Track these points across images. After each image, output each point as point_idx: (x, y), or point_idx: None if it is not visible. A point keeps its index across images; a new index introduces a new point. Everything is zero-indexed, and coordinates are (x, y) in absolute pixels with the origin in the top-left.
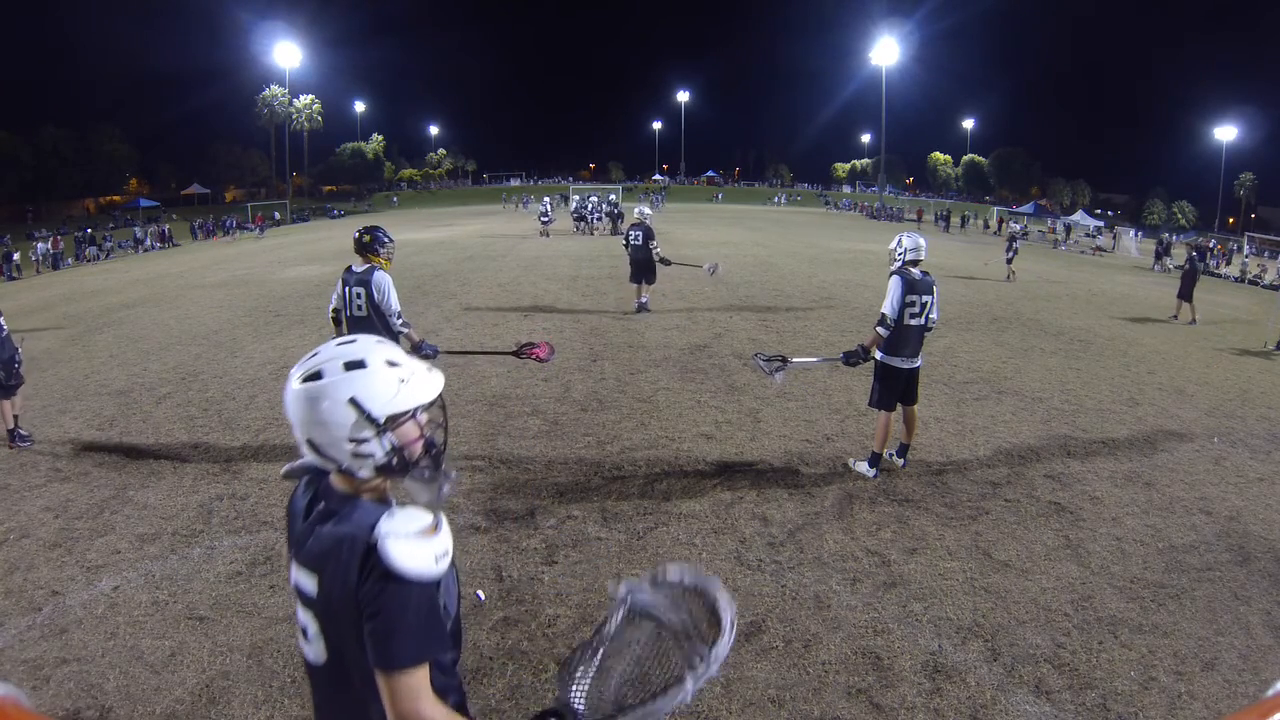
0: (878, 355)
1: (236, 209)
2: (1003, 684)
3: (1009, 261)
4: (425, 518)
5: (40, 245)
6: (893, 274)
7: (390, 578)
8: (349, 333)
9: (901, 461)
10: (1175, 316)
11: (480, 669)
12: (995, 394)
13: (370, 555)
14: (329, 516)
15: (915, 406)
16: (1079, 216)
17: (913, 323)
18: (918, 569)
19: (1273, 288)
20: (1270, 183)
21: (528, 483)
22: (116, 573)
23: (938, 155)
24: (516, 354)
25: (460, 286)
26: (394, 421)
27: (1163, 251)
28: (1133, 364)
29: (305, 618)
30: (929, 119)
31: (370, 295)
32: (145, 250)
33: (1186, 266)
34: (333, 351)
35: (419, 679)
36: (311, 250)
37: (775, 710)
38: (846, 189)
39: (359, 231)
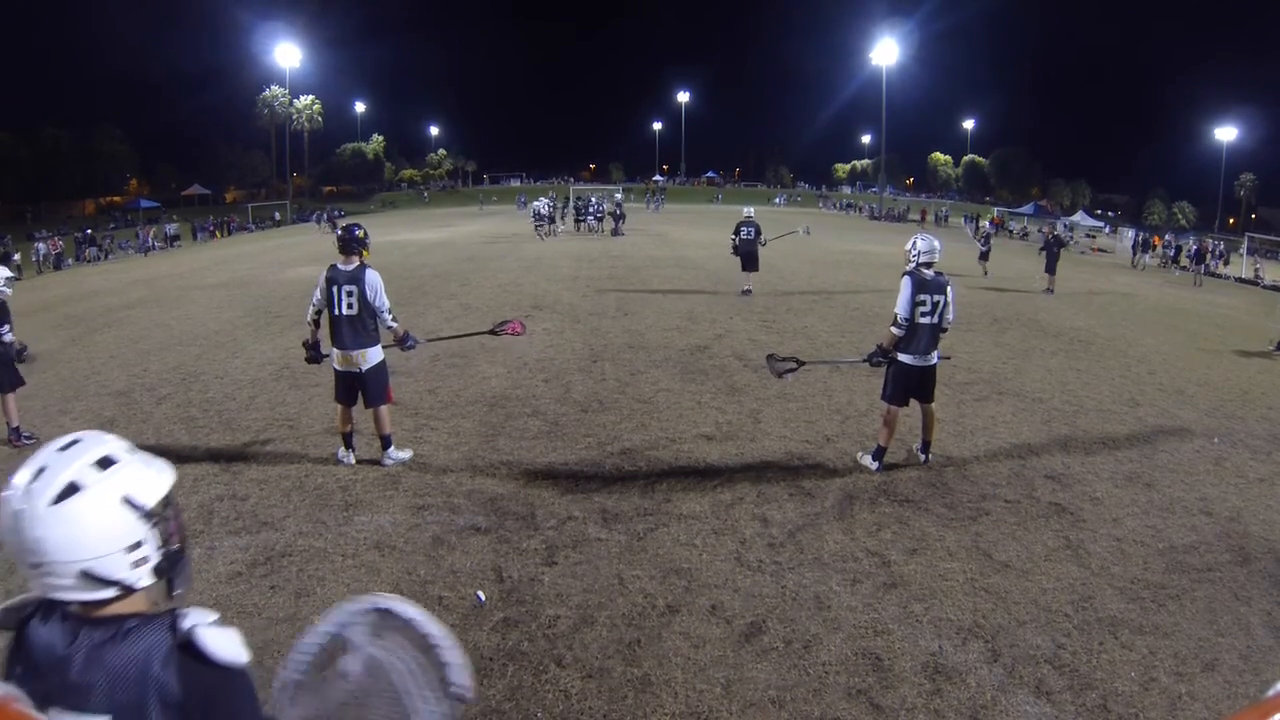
0: (894, 354)
1: (237, 209)
2: (1003, 685)
3: (982, 258)
4: (209, 611)
5: (40, 245)
6: (904, 275)
7: (222, 670)
8: (332, 333)
9: (924, 458)
10: (1050, 290)
11: (480, 670)
12: (995, 394)
13: (184, 656)
14: (99, 646)
15: (932, 405)
16: (1079, 217)
17: (924, 320)
18: (918, 569)
19: (1273, 288)
20: (1270, 183)
21: (528, 483)
22: None
23: (938, 155)
24: (493, 332)
25: (461, 287)
26: (162, 510)
27: (1141, 248)
28: (1133, 364)
29: None
30: (929, 119)
31: (363, 292)
32: (148, 251)
33: (1045, 245)
34: (67, 457)
35: None
36: (312, 250)
37: (775, 710)
38: (847, 189)
39: (342, 229)
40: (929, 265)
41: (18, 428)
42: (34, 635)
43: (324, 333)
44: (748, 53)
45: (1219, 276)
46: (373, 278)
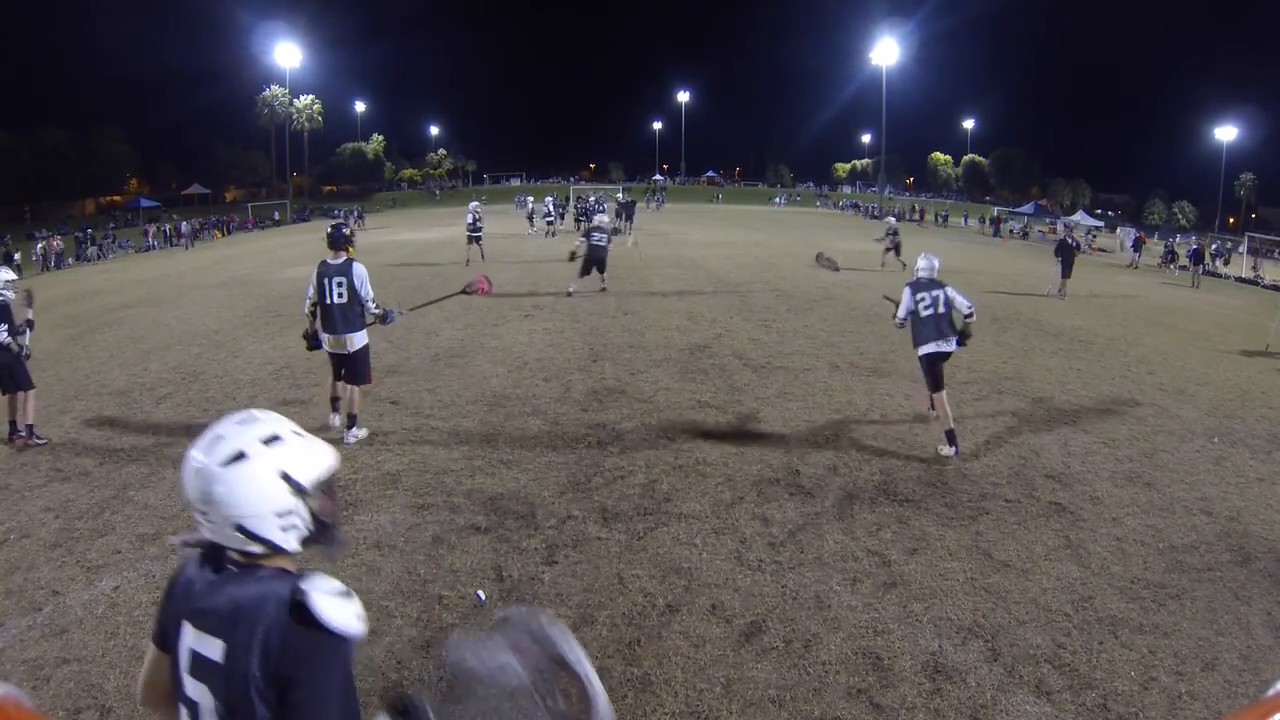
0: (917, 350)
1: (237, 209)
2: (1003, 684)
3: (889, 251)
4: (338, 582)
5: (40, 245)
6: (906, 285)
7: (321, 632)
8: (324, 320)
9: (933, 412)
10: (1062, 292)
11: None
12: (995, 394)
13: (293, 613)
14: (234, 581)
15: None
16: (1079, 216)
17: (927, 313)
18: (918, 569)
19: (1273, 288)
20: (1270, 183)
21: (528, 483)
22: (117, 573)
23: (938, 155)
24: (465, 291)
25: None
26: (315, 489)
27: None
28: (1133, 364)
29: (197, 691)
30: (929, 119)
31: (351, 283)
32: (148, 250)
33: (1062, 247)
34: (241, 430)
35: None
36: (312, 250)
37: (775, 710)
38: (847, 189)
39: (331, 228)
40: (928, 280)
41: (23, 424)
42: (189, 566)
43: (318, 322)
44: (748, 52)
45: (1218, 276)
46: (359, 270)
